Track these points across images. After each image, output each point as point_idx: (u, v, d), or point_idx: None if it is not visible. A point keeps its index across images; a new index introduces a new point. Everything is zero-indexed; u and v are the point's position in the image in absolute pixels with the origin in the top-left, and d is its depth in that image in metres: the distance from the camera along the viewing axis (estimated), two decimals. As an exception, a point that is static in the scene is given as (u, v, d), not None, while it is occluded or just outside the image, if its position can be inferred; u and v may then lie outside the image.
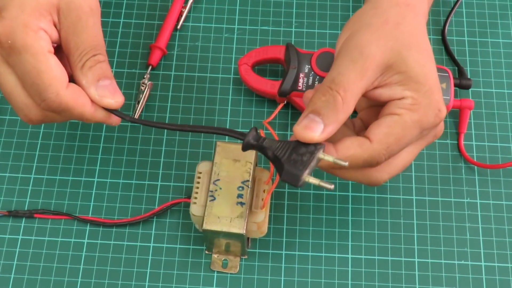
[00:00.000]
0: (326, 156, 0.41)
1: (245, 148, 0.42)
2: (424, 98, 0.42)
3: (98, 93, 0.43)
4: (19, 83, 0.42)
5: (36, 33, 0.41)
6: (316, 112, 0.41)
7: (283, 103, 0.52)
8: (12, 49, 0.41)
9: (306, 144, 0.41)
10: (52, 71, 0.41)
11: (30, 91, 0.42)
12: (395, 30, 0.43)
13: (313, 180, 0.40)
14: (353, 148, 0.42)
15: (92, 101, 0.43)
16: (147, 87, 0.56)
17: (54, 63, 0.41)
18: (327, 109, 0.41)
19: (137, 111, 0.56)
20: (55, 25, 0.43)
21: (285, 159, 0.41)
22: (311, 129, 0.41)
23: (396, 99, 0.42)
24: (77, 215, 0.53)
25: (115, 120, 0.45)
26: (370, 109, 0.48)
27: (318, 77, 0.55)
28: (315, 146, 0.41)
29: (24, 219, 0.53)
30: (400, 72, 0.42)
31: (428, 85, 0.42)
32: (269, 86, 0.56)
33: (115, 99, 0.44)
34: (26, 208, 0.54)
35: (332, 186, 0.40)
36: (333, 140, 0.43)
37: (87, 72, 0.43)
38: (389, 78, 0.42)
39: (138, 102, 0.56)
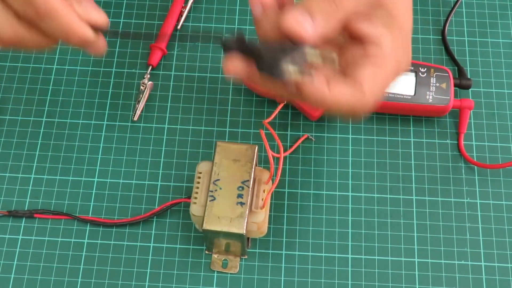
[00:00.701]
0: (312, 50, 0.37)
1: (225, 47, 0.39)
2: (399, 35, 0.39)
3: (82, 8, 0.39)
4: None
5: None
6: (306, 8, 0.37)
7: (283, 103, 0.52)
8: None
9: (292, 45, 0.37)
10: None
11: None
12: None
13: (292, 69, 0.36)
14: (344, 89, 0.38)
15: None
16: (147, 87, 0.56)
17: None
18: (318, 5, 0.37)
19: (137, 111, 0.56)
20: None
21: (266, 49, 0.37)
22: (301, 26, 0.37)
23: (375, 33, 0.39)
24: (77, 215, 0.53)
25: (102, 41, 0.41)
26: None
27: (318, 77, 0.55)
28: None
29: (24, 219, 0.53)
30: (381, 6, 0.39)
31: (405, 26, 0.40)
32: (269, 86, 0.56)
33: (100, 14, 0.40)
34: (26, 208, 0.54)
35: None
36: None
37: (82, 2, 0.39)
38: (375, 11, 0.39)
39: (138, 102, 0.56)
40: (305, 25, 0.37)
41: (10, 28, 0.39)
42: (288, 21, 0.37)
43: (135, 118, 0.56)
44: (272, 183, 0.49)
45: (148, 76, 0.58)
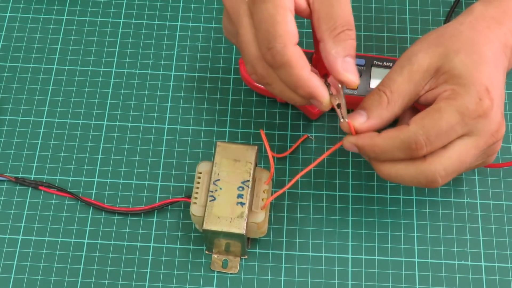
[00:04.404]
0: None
1: None
2: (462, 88, 0.44)
3: (342, 66, 0.43)
4: (254, 33, 0.44)
5: None
6: (363, 107, 0.46)
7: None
8: None
9: None
10: (287, 25, 0.42)
11: (261, 38, 0.43)
12: (447, 40, 0.46)
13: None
14: (391, 131, 0.44)
15: (311, 71, 0.43)
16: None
17: (290, 19, 0.43)
18: (372, 106, 0.45)
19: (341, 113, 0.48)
20: None
21: None
22: (354, 118, 0.46)
23: (438, 95, 0.45)
24: (80, 196, 0.53)
25: (324, 96, 0.44)
26: None
27: (318, 76, 0.55)
28: None
29: (23, 221, 0.53)
30: (445, 72, 0.45)
31: (468, 79, 0.44)
32: (269, 86, 0.56)
33: (356, 78, 0.44)
34: (25, 211, 0.54)
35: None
36: None
37: (339, 44, 0.43)
38: (437, 80, 0.45)
39: (338, 106, 0.47)
40: (356, 119, 0.46)
41: (262, 65, 0.44)
42: (341, 123, 0.46)
43: (346, 119, 0.47)
44: (273, 183, 0.49)
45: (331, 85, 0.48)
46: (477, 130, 0.44)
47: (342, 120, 0.46)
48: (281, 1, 0.42)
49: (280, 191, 0.48)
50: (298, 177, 0.48)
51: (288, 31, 0.42)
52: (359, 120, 0.46)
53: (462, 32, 0.46)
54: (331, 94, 0.44)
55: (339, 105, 0.46)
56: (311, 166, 0.48)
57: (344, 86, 0.46)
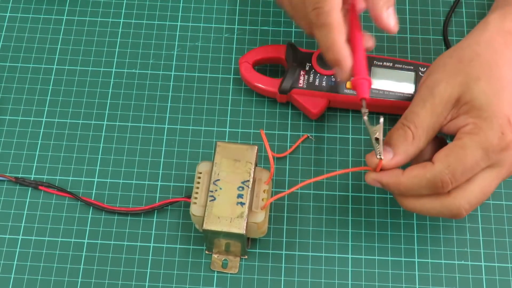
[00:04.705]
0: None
1: None
2: (484, 122, 0.44)
3: (386, 15, 0.49)
4: None
5: None
6: (388, 143, 0.47)
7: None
8: None
9: None
10: None
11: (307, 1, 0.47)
12: (467, 67, 0.46)
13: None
14: (416, 169, 0.45)
15: (349, 39, 0.48)
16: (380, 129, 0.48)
17: None
18: (398, 142, 0.46)
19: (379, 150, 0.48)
20: None
21: None
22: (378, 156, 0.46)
23: (460, 127, 0.45)
24: (80, 196, 0.53)
25: (348, 66, 0.48)
26: None
27: (318, 74, 0.55)
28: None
29: (23, 221, 0.53)
30: (466, 103, 0.45)
31: (490, 111, 0.44)
32: (270, 83, 0.56)
33: (396, 24, 0.49)
34: (25, 211, 0.54)
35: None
36: None
37: None
38: (458, 110, 0.46)
39: (377, 140, 0.48)
40: (384, 156, 0.46)
41: (306, 23, 0.51)
42: (368, 156, 0.47)
43: (382, 156, 0.47)
44: (273, 183, 0.49)
45: (366, 111, 0.49)
46: (500, 162, 0.45)
47: (378, 156, 0.46)
48: None
49: (282, 194, 0.48)
50: (301, 185, 0.49)
51: None
52: (386, 157, 0.46)
53: (480, 55, 0.46)
54: (371, 126, 0.47)
55: (377, 140, 0.47)
56: (320, 178, 0.49)
57: (381, 118, 0.48)
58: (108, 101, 0.58)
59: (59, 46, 0.60)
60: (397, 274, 0.51)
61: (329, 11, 0.46)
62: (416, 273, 0.51)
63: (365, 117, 0.48)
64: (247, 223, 0.47)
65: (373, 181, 0.47)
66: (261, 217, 0.47)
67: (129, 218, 0.53)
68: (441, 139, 0.49)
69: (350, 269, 0.52)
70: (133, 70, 0.59)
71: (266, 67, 0.59)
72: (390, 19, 0.49)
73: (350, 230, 0.53)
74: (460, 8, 0.62)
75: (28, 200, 0.54)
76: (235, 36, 0.61)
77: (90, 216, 0.53)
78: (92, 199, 0.54)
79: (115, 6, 0.62)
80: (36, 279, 0.51)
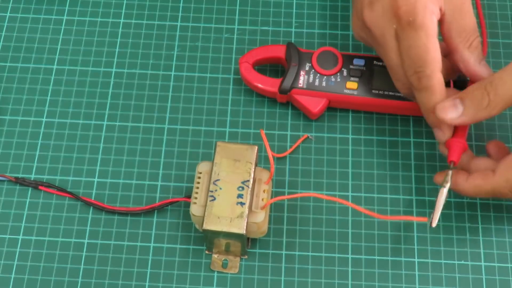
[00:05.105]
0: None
1: None
2: None
3: (482, 70, 0.49)
4: (399, 55, 0.48)
5: (432, 15, 0.47)
6: (462, 98, 0.47)
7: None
8: (410, 25, 0.46)
9: None
10: (436, 52, 0.46)
11: (409, 62, 0.47)
12: None
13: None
14: (478, 179, 0.47)
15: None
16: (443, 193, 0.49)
17: (438, 47, 0.47)
18: (471, 103, 0.46)
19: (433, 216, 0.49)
20: (440, 9, 0.48)
21: None
22: (447, 111, 0.47)
23: None
24: (80, 195, 0.53)
25: (447, 134, 0.50)
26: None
27: (318, 74, 0.55)
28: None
29: (23, 221, 0.53)
30: None
31: None
32: (270, 83, 0.56)
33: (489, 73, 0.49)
34: (25, 211, 0.54)
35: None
36: (468, 167, 0.50)
37: (474, 51, 0.49)
38: None
39: (435, 210, 0.49)
40: (450, 112, 0.47)
41: (404, 86, 0.50)
42: (438, 107, 0.47)
43: (433, 224, 0.48)
44: (272, 183, 0.49)
45: (447, 183, 0.49)
46: None
47: (446, 184, 0.48)
48: (431, 30, 0.46)
49: (283, 197, 0.48)
50: (305, 195, 0.49)
51: (437, 58, 0.46)
52: (452, 114, 0.47)
53: None
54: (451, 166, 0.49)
55: (450, 167, 0.49)
56: (331, 199, 0.48)
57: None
58: (108, 101, 0.58)
59: (59, 46, 0.60)
60: (397, 274, 0.51)
61: (430, 75, 0.47)
62: (416, 273, 0.51)
63: (445, 189, 0.49)
64: (247, 223, 0.47)
65: (441, 183, 0.49)
66: (261, 217, 0.47)
67: (129, 218, 0.53)
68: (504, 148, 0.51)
69: (350, 269, 0.52)
70: (133, 70, 0.59)
71: (266, 67, 0.59)
72: (484, 72, 0.49)
73: (350, 230, 0.53)
74: (460, 8, 0.62)
75: (28, 200, 0.54)
76: (235, 36, 0.61)
77: (90, 216, 0.53)
78: (92, 199, 0.54)
79: (115, 6, 0.62)
80: (36, 279, 0.51)
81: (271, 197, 0.52)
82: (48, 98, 0.58)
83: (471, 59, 0.49)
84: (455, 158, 0.50)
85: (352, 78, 0.55)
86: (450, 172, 0.49)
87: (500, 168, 0.47)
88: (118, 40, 0.61)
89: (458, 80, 0.56)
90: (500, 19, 0.61)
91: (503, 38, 0.61)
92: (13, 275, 0.51)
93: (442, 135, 0.49)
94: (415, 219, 0.47)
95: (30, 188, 0.54)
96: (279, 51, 0.57)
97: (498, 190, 0.47)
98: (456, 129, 0.50)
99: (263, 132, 0.49)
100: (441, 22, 0.49)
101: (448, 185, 0.49)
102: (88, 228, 0.53)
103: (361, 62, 0.56)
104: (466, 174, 0.49)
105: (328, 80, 0.55)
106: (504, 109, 0.46)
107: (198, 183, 0.48)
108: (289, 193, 0.54)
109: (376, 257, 0.52)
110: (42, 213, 0.53)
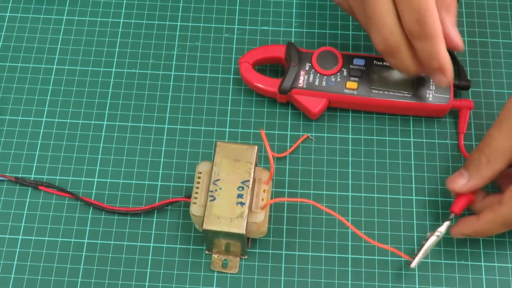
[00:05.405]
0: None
1: None
2: None
3: (453, 33, 0.49)
4: (394, 7, 0.48)
5: None
6: (465, 167, 0.49)
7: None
8: None
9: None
10: (434, 1, 0.47)
11: (407, 11, 0.47)
12: None
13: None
14: (488, 215, 0.47)
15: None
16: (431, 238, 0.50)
17: None
18: (472, 166, 0.49)
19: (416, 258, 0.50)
20: None
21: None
22: (455, 181, 0.49)
23: None
24: (80, 195, 0.53)
25: (451, 70, 0.49)
26: None
27: (318, 74, 0.55)
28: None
29: (23, 221, 0.53)
30: None
31: None
32: (270, 83, 0.56)
33: (461, 41, 0.50)
34: (25, 211, 0.54)
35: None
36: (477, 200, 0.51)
37: (451, 16, 0.49)
38: None
39: (418, 251, 0.50)
40: (458, 181, 0.49)
41: (398, 36, 0.49)
42: (448, 181, 0.50)
43: (412, 265, 0.49)
44: (272, 183, 0.49)
45: (447, 223, 0.50)
46: None
47: (438, 234, 0.49)
48: None
49: (283, 199, 0.48)
50: (306, 201, 0.49)
51: (435, 6, 0.47)
52: (460, 182, 0.49)
53: None
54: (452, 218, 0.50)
55: (450, 217, 0.50)
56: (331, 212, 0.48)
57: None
58: (108, 101, 0.58)
59: (59, 46, 0.60)
60: (397, 274, 0.51)
61: (433, 22, 0.47)
62: (416, 273, 0.51)
63: (436, 237, 0.49)
64: (247, 223, 0.47)
65: (457, 235, 0.50)
66: (261, 217, 0.47)
67: (129, 218, 0.53)
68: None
69: (350, 269, 0.52)
70: (133, 70, 0.59)
71: (266, 67, 0.59)
72: (458, 38, 0.50)
73: (350, 230, 0.53)
74: (460, 8, 0.62)
75: (28, 200, 0.54)
76: (235, 36, 0.61)
77: (90, 216, 0.53)
78: (92, 199, 0.54)
79: (115, 6, 0.62)
80: (36, 279, 0.51)
81: (271, 197, 0.52)
82: (48, 98, 0.58)
83: (446, 20, 0.49)
84: (458, 210, 0.51)
85: (352, 78, 0.55)
86: (447, 223, 0.50)
87: (506, 196, 0.47)
88: (118, 40, 0.61)
89: (459, 85, 0.56)
90: (500, 19, 0.61)
91: (503, 38, 0.61)
92: (13, 275, 0.51)
93: (447, 78, 0.50)
94: (401, 254, 0.49)
95: (30, 188, 0.54)
96: (279, 51, 0.57)
97: (509, 219, 0.47)
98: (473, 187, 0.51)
99: (263, 132, 0.49)
100: None
101: (441, 235, 0.49)
102: (88, 228, 0.53)
103: (361, 62, 0.56)
104: (475, 216, 0.49)
105: (328, 80, 0.55)
106: (508, 163, 0.47)
107: (198, 183, 0.48)
108: (289, 193, 0.54)
109: (376, 257, 0.52)
110: (42, 213, 0.53)
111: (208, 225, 0.46)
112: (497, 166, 0.47)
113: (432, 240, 0.49)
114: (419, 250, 0.49)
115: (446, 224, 0.50)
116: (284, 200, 0.49)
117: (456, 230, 0.49)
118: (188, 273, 0.51)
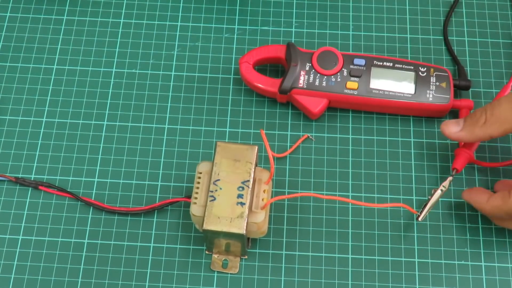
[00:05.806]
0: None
1: None
2: None
3: None
4: None
5: None
6: (464, 119, 0.50)
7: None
8: None
9: None
10: None
11: None
12: None
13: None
14: (496, 200, 0.49)
15: None
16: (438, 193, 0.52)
17: None
18: (470, 120, 0.50)
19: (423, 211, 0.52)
20: None
21: None
22: (448, 126, 0.51)
23: None
24: (80, 195, 0.53)
25: None
26: None
27: (319, 74, 0.55)
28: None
29: (23, 221, 0.53)
30: None
31: None
32: (270, 83, 0.56)
33: None
34: (25, 211, 0.54)
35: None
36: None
37: None
38: None
39: (425, 206, 0.52)
40: (451, 127, 0.51)
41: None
42: (443, 123, 0.51)
43: (420, 219, 0.51)
44: (273, 183, 0.49)
45: (450, 179, 0.52)
46: None
47: (443, 188, 0.52)
48: None
49: (283, 197, 0.48)
50: (305, 194, 0.49)
51: None
52: (452, 129, 0.50)
53: None
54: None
55: (452, 173, 0.52)
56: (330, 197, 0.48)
57: None
58: (108, 101, 0.58)
59: (59, 46, 0.60)
60: (397, 274, 0.51)
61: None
62: (416, 273, 0.51)
63: (441, 192, 0.52)
64: (247, 223, 0.47)
65: (467, 200, 0.51)
66: (261, 217, 0.47)
67: (129, 218, 0.53)
68: None
69: (350, 269, 0.52)
70: (133, 70, 0.59)
71: (266, 67, 0.59)
72: None
73: (350, 230, 0.53)
74: (460, 8, 0.62)
75: (28, 200, 0.54)
76: (235, 36, 0.61)
77: (90, 216, 0.53)
78: (92, 199, 0.54)
79: (115, 6, 0.62)
80: (36, 279, 0.51)
81: (271, 197, 0.52)
82: (48, 98, 0.58)
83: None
84: (459, 166, 0.53)
85: (352, 78, 0.55)
86: (450, 178, 0.52)
87: None
88: (118, 40, 0.61)
89: (459, 85, 0.56)
90: (500, 19, 0.61)
91: (503, 38, 0.61)
92: (13, 275, 0.51)
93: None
94: (409, 209, 0.50)
95: (30, 188, 0.54)
96: (279, 51, 0.57)
97: None
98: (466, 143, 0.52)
99: (263, 132, 0.49)
100: None
101: (445, 190, 0.51)
102: (88, 228, 0.53)
103: (361, 62, 0.56)
104: (488, 195, 0.50)
105: (328, 80, 0.55)
106: (502, 133, 0.48)
107: (198, 183, 0.48)
108: (289, 193, 0.54)
109: (376, 257, 0.52)
110: (42, 213, 0.53)
111: (208, 225, 0.46)
112: (491, 131, 0.48)
113: (437, 194, 0.51)
114: (425, 204, 0.51)
115: (449, 179, 0.52)
116: (284, 198, 0.48)
117: (468, 198, 0.51)
118: (188, 273, 0.51)
